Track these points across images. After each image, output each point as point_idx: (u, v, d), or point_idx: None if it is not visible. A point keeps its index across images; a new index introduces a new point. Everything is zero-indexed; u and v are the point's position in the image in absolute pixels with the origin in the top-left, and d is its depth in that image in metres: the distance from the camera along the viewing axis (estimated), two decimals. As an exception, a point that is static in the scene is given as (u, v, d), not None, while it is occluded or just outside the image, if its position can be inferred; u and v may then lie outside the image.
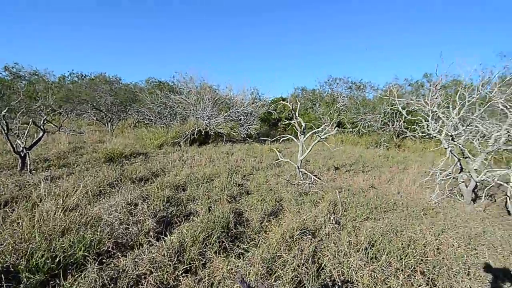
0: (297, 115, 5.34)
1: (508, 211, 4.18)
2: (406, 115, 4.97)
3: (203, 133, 8.96)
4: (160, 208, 3.23)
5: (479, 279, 2.28)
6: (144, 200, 3.43)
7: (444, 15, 49.18)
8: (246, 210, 3.51)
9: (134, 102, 11.70)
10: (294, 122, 5.37)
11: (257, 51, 70.75)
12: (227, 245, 2.52)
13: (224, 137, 9.64)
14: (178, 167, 5.48)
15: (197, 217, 3.04)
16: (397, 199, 4.39)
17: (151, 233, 2.60)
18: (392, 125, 11.04)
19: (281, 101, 5.98)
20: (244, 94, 11.37)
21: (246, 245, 2.60)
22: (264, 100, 12.69)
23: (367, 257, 2.38)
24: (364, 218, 3.48)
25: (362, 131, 11.94)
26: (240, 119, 10.46)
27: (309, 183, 4.95)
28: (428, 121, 4.58)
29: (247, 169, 5.69)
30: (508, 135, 4.01)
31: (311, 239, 2.66)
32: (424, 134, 4.92)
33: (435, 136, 4.51)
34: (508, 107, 4.20)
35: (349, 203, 3.94)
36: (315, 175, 5.54)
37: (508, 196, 4.17)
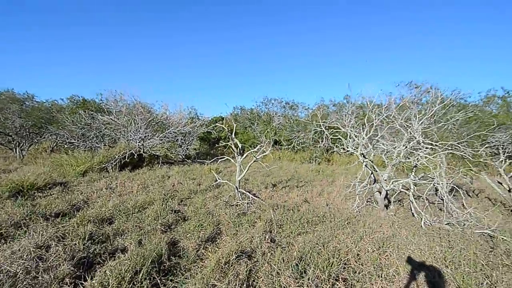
0: (233, 136, 5.48)
1: (412, 213, 4.98)
2: (328, 135, 5.58)
3: (136, 156, 8.36)
4: (80, 248, 2.86)
5: (389, 278, 2.64)
6: (59, 241, 3.00)
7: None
8: (182, 239, 3.38)
9: (51, 123, 10.27)
10: (231, 143, 5.48)
11: (195, 69, 70.57)
12: (158, 280, 2.37)
13: (160, 159, 9.17)
14: (104, 196, 4.96)
15: (125, 254, 2.79)
16: (326, 211, 4.80)
17: (66, 279, 2.27)
18: (322, 142, 12.22)
19: (217, 123, 6.07)
20: (182, 114, 11.14)
21: (180, 277, 2.49)
22: (203, 120, 12.63)
23: (297, 273, 2.53)
24: (297, 233, 3.71)
25: (296, 147, 12.85)
26: (177, 140, 10.14)
27: (247, 203, 5.05)
28: (346, 139, 5.26)
29: (184, 193, 5.50)
30: (406, 150, 4.87)
31: (246, 262, 2.71)
32: (345, 151, 5.59)
33: (354, 152, 5.18)
34: (406, 126, 5.13)
35: (284, 220, 4.15)
36: (253, 194, 5.69)
37: (411, 201, 4.99)
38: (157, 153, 8.93)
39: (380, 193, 5.08)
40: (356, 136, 4.93)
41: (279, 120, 15.29)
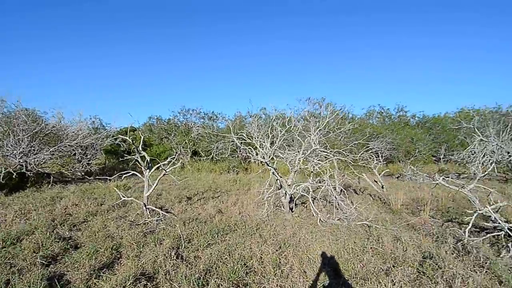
0: (139, 148, 5.13)
1: (313, 214, 5.64)
2: (240, 145, 5.85)
3: (15, 176, 6.81)
4: None
5: (284, 275, 2.91)
6: None
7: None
8: (69, 270, 2.92)
9: None
10: (137, 157, 5.11)
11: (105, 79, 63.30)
12: (28, 326, 1.98)
13: (52, 177, 7.72)
14: (-40, 231, 3.85)
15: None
16: (238, 220, 4.95)
17: None
18: (240, 152, 12.66)
19: (127, 134, 5.55)
20: (82, 123, 9.69)
21: (60, 317, 2.14)
22: (110, 130, 11.33)
23: (199, 286, 2.53)
24: (206, 245, 3.69)
25: (215, 158, 12.88)
26: (75, 154, 8.76)
27: (156, 220, 4.75)
28: (257, 149, 5.61)
29: (80, 216, 4.78)
30: (304, 157, 5.52)
31: (145, 285, 2.54)
32: (255, 160, 5.95)
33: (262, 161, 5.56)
34: (305, 136, 5.83)
35: (194, 233, 4.08)
36: (165, 210, 5.41)
37: (310, 202, 5.65)
38: (46, 171, 7.49)
39: (285, 197, 5.58)
40: (261, 146, 5.32)
41: (198, 130, 15.09)
